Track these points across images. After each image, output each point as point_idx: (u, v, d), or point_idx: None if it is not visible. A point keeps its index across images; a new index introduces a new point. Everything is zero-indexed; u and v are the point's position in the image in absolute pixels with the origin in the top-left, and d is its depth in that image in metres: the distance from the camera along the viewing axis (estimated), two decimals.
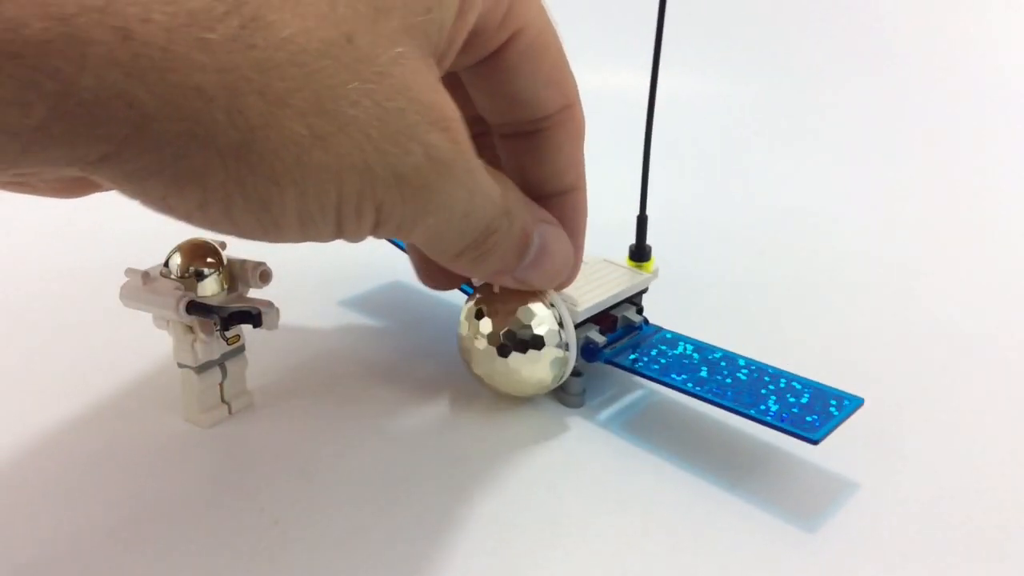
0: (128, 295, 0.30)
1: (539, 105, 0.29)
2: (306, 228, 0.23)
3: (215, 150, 0.20)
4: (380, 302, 0.42)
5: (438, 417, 0.33)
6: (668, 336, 0.34)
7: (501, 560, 0.26)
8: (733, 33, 0.71)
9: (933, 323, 0.41)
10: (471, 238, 0.27)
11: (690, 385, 0.31)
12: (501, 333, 0.31)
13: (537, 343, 0.30)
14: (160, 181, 0.20)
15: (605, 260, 0.36)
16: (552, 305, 0.31)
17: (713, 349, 0.33)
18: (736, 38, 0.71)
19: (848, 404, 0.29)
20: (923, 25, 0.72)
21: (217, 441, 0.31)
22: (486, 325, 0.31)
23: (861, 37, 0.72)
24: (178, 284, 0.30)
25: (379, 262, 0.45)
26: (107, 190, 0.27)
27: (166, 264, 0.31)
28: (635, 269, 0.35)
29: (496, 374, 0.31)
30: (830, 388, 0.30)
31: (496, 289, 0.31)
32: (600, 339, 0.32)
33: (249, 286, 0.31)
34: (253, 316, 0.29)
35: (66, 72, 0.18)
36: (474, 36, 0.26)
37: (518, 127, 0.29)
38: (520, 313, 0.31)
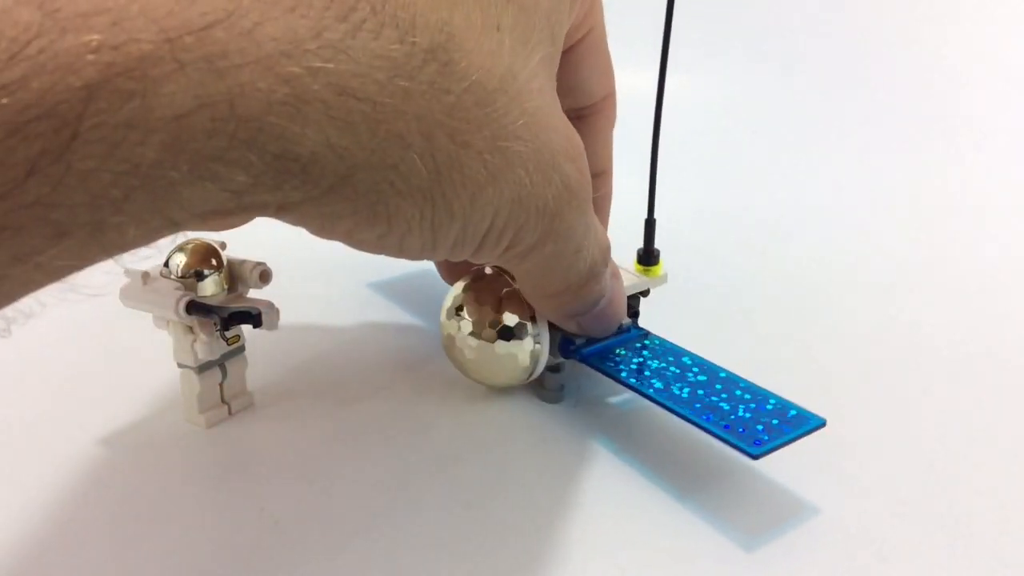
0: (128, 295, 0.30)
1: (590, 94, 0.30)
2: (453, 251, 0.23)
3: (408, 192, 0.21)
4: (380, 302, 0.42)
5: (438, 416, 0.33)
6: (655, 342, 0.33)
7: (500, 560, 0.26)
8: (733, 34, 0.71)
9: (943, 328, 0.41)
10: (575, 278, 0.27)
11: (648, 389, 0.30)
12: (474, 322, 0.31)
13: (506, 334, 0.31)
14: (353, 220, 0.21)
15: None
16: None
17: (693, 357, 0.32)
18: (737, 38, 0.71)
19: (806, 424, 0.27)
20: (927, 27, 0.72)
21: (217, 441, 0.31)
22: (466, 315, 0.31)
23: (862, 38, 0.72)
24: (178, 284, 0.30)
25: (379, 262, 0.45)
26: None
27: (166, 264, 0.31)
28: (636, 273, 0.35)
29: (469, 363, 0.32)
30: (795, 406, 0.28)
31: (488, 270, 0.32)
32: (579, 336, 0.32)
33: (249, 286, 0.31)
34: (253, 316, 0.29)
35: (288, 132, 0.18)
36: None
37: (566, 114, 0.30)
38: (499, 305, 0.31)
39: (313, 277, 0.44)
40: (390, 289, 0.43)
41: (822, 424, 0.28)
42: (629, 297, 0.34)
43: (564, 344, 0.32)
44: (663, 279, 0.35)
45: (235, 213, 0.19)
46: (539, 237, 0.25)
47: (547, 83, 0.24)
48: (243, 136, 0.17)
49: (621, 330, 0.33)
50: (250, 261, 0.31)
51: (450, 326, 0.32)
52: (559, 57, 0.25)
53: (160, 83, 0.16)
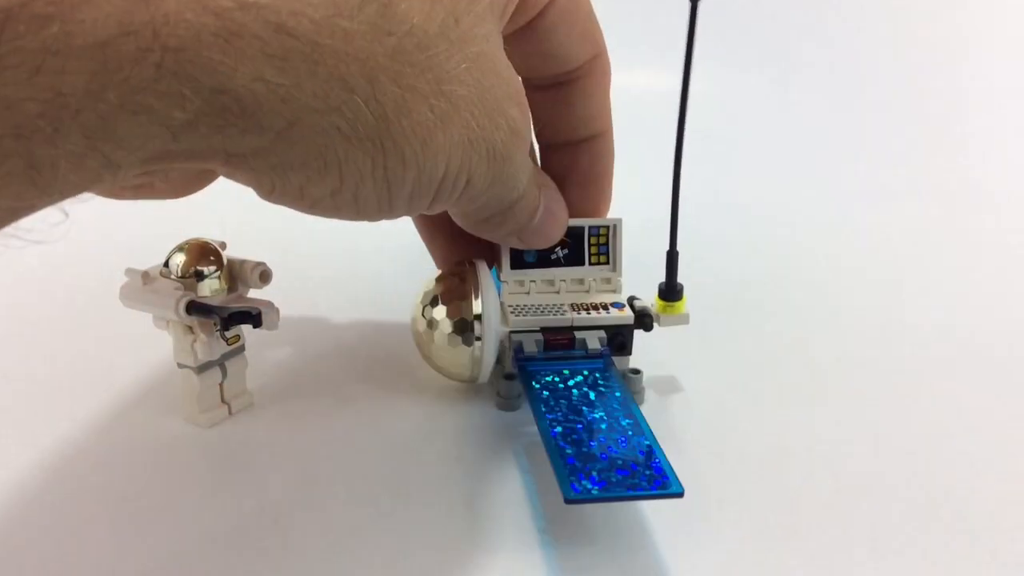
0: (128, 295, 0.30)
1: (572, 58, 0.29)
2: (411, 204, 0.23)
3: (357, 138, 0.20)
4: (380, 303, 0.42)
5: (438, 417, 0.33)
6: (606, 376, 0.31)
7: (500, 560, 0.26)
8: (734, 34, 0.71)
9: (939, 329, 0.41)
10: (507, 203, 0.27)
11: (540, 414, 0.29)
12: (434, 316, 0.32)
13: (439, 327, 0.32)
14: (304, 172, 0.21)
15: (632, 297, 0.34)
16: (479, 298, 0.31)
17: (612, 401, 0.30)
18: (738, 39, 0.71)
19: (655, 488, 0.25)
20: (927, 27, 0.72)
21: (217, 441, 0.31)
22: (429, 311, 0.32)
23: (861, 39, 0.72)
24: (178, 284, 0.30)
25: (379, 262, 0.45)
26: (212, 180, 0.27)
27: (166, 264, 0.31)
28: (621, 315, 0.33)
29: (427, 354, 0.33)
30: (667, 468, 0.26)
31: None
32: (533, 349, 0.32)
33: (249, 286, 0.31)
34: (253, 316, 0.29)
35: (221, 66, 0.18)
36: (522, 4, 0.26)
37: (552, 79, 0.30)
38: (455, 302, 0.32)
39: (313, 277, 0.44)
40: (390, 289, 0.43)
41: (677, 494, 0.25)
42: (619, 328, 0.33)
43: (515, 354, 0.32)
44: (685, 317, 0.33)
45: (180, 158, 0.19)
46: (490, 181, 0.25)
47: (493, 29, 0.24)
48: (171, 67, 0.17)
49: (587, 354, 0.32)
50: (250, 261, 0.31)
51: (416, 312, 0.33)
52: (512, 5, 0.25)
53: (78, 8, 0.16)
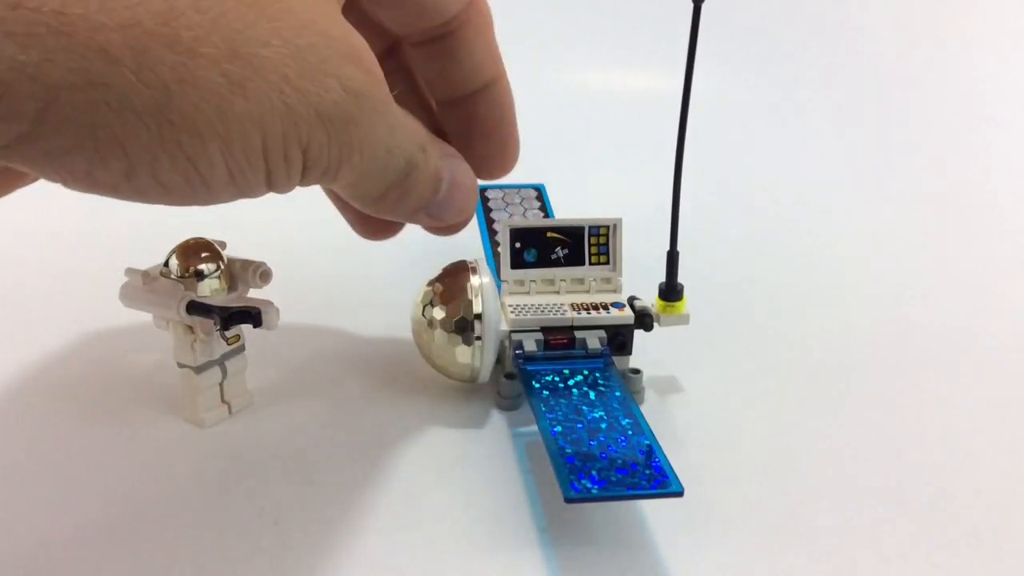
0: (128, 295, 0.30)
1: (444, 8, 0.28)
2: (236, 182, 0.22)
3: (133, 113, 0.19)
4: (380, 302, 0.42)
5: (438, 417, 0.33)
6: (606, 376, 0.31)
7: (499, 559, 0.26)
8: (733, 34, 0.71)
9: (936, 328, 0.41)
10: (394, 176, 0.26)
11: (540, 413, 0.29)
12: (434, 315, 0.32)
13: (456, 328, 0.31)
14: (82, 155, 0.19)
15: (632, 297, 0.34)
16: (479, 298, 0.31)
17: (612, 400, 0.30)
18: (738, 38, 0.71)
19: (655, 488, 0.25)
20: (928, 27, 0.72)
21: (217, 441, 0.31)
22: (429, 310, 0.32)
23: (859, 40, 0.72)
24: (178, 284, 0.30)
25: (379, 262, 0.45)
26: (31, 182, 0.25)
27: (166, 264, 0.31)
28: (621, 315, 0.33)
29: (427, 354, 0.33)
30: (667, 468, 0.26)
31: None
32: (533, 349, 0.32)
33: (249, 286, 0.31)
34: (253, 316, 0.29)
35: None
36: None
37: (428, 34, 0.29)
38: (455, 301, 0.32)
39: (313, 277, 0.44)
40: (390, 289, 0.43)
41: (676, 493, 0.25)
42: (619, 328, 0.33)
43: (515, 353, 0.32)
44: (686, 318, 0.34)
45: None
46: (341, 150, 0.23)
47: None
48: None
49: (587, 354, 0.32)
50: (251, 260, 0.31)
51: (416, 311, 0.33)
52: None
53: None
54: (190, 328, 0.30)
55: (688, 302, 0.33)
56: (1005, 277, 0.47)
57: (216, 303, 0.30)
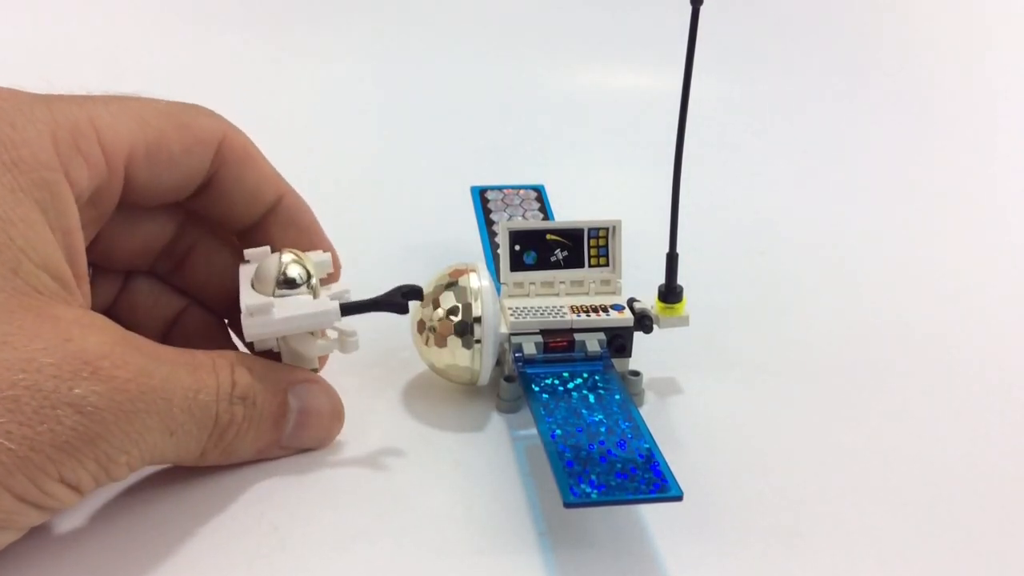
0: (264, 323, 0.27)
1: (240, 221, 0.31)
2: (15, 525, 0.23)
3: None
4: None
5: (438, 419, 0.33)
6: (605, 378, 0.31)
7: (500, 562, 0.26)
8: (734, 34, 0.71)
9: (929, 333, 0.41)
10: (201, 440, 0.26)
11: (540, 416, 0.29)
12: (433, 318, 0.32)
13: (439, 330, 0.31)
14: None
15: (631, 299, 0.34)
16: (478, 301, 0.31)
17: (611, 403, 0.30)
18: (738, 39, 0.71)
19: (654, 492, 0.25)
20: (927, 28, 0.72)
21: None
22: (429, 313, 0.32)
23: (859, 40, 0.72)
24: (312, 292, 0.29)
25: (380, 263, 0.45)
26: None
27: (287, 281, 0.29)
28: (621, 317, 0.33)
29: (427, 357, 0.33)
30: (666, 472, 0.26)
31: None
32: (532, 351, 0.32)
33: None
34: (399, 305, 0.29)
35: None
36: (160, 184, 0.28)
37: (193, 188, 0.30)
38: (454, 304, 0.32)
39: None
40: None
41: (675, 497, 0.25)
42: (619, 330, 0.33)
43: (515, 356, 0.32)
44: (685, 320, 0.33)
45: None
46: (99, 463, 0.23)
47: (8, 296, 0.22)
48: None
49: (587, 357, 0.32)
50: (310, 253, 0.31)
51: (416, 314, 0.33)
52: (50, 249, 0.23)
53: None
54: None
55: (688, 304, 0.33)
56: (1005, 277, 0.47)
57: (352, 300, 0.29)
